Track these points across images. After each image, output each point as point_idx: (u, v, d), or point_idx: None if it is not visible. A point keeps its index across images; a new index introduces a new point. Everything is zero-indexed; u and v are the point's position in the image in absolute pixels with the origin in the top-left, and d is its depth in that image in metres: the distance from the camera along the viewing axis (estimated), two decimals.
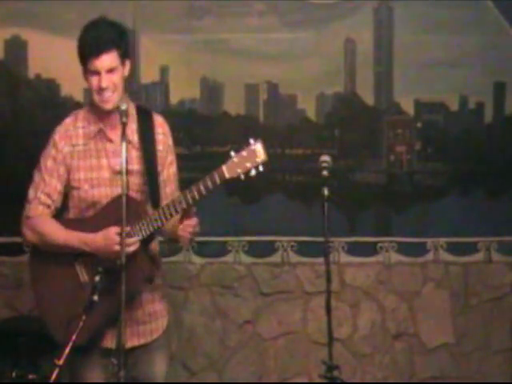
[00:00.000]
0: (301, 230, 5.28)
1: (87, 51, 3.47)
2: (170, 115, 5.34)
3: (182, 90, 5.38)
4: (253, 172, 3.36)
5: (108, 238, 3.42)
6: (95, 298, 3.29)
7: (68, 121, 3.63)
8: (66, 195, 3.62)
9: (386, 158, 5.47)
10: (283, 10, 5.35)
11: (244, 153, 3.33)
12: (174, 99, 5.40)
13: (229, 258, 5.37)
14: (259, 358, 5.37)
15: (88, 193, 3.56)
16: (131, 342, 3.57)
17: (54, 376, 3.25)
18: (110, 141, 3.58)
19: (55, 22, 5.22)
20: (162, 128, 3.67)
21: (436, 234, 5.40)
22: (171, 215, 3.43)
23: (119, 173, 3.49)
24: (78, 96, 5.32)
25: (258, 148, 3.34)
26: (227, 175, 3.34)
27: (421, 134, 5.48)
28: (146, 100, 5.37)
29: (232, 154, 3.34)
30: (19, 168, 5.26)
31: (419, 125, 5.48)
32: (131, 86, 5.35)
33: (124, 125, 3.32)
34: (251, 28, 5.34)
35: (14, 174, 5.25)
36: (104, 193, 3.56)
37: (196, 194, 3.38)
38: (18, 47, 5.33)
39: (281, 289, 5.38)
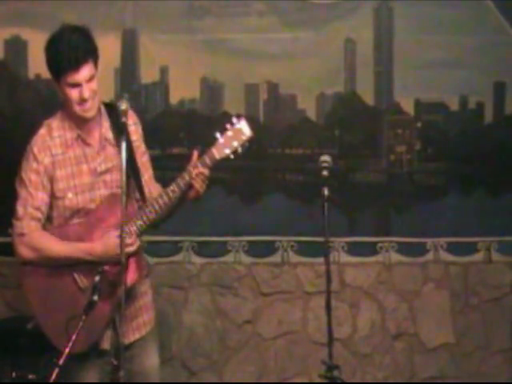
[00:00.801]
0: (301, 230, 5.28)
1: (64, 65, 3.43)
2: (170, 115, 5.38)
3: (182, 90, 5.38)
4: (239, 149, 3.45)
5: (109, 244, 3.42)
6: (95, 298, 3.29)
7: (43, 132, 3.60)
8: (50, 206, 3.60)
9: (386, 157, 5.47)
10: (283, 10, 5.34)
11: (229, 132, 3.45)
12: (173, 99, 5.40)
13: (229, 257, 5.37)
14: (259, 358, 5.37)
15: (73, 201, 3.55)
16: (127, 339, 3.58)
17: (53, 376, 3.25)
18: (89, 145, 3.58)
19: (55, 22, 5.15)
20: (131, 119, 3.65)
21: (436, 234, 5.40)
22: (165, 204, 3.46)
23: (101, 174, 3.52)
24: None
25: (243, 125, 3.46)
26: (217, 156, 3.44)
27: (421, 134, 5.48)
28: (146, 100, 5.37)
29: (218, 135, 3.44)
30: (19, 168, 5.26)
31: (419, 125, 5.48)
32: (131, 86, 5.36)
33: (124, 124, 3.32)
34: (251, 28, 5.34)
35: (14, 174, 5.24)
36: (88, 198, 3.56)
37: (188, 179, 3.42)
38: (18, 47, 5.33)
39: (281, 289, 5.38)
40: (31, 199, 3.55)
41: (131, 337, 3.64)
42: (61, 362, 3.26)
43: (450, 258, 5.43)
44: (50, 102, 5.34)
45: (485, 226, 5.39)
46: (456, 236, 5.40)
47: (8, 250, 5.27)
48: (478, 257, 5.44)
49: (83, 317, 3.27)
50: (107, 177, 3.55)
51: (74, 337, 3.26)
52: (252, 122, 5.38)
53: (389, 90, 5.43)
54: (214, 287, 5.34)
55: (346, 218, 5.40)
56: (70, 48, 3.43)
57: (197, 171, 3.44)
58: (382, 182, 5.47)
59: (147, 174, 3.71)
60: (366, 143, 5.46)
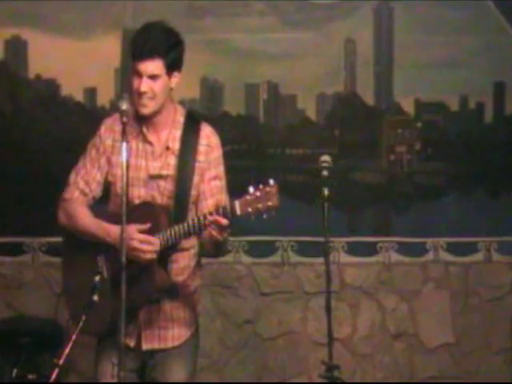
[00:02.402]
0: (301, 230, 5.28)
1: (134, 52, 3.43)
2: None
3: (182, 90, 5.37)
4: (264, 215, 3.31)
5: (127, 230, 3.38)
6: (95, 298, 3.29)
7: (115, 115, 3.59)
8: (105, 187, 3.61)
9: (386, 157, 5.47)
10: (283, 10, 5.35)
11: (258, 193, 3.29)
12: (174, 99, 5.39)
13: (229, 258, 5.37)
14: (259, 358, 5.37)
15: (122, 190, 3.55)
16: (151, 345, 3.55)
17: (53, 376, 3.25)
18: (150, 144, 3.55)
19: (55, 22, 5.22)
20: (206, 139, 3.57)
21: (436, 234, 5.40)
22: (184, 233, 3.40)
23: (155, 177, 3.50)
24: (78, 96, 5.33)
25: (273, 192, 3.30)
26: (238, 212, 3.29)
27: (421, 134, 5.48)
28: None
29: (250, 189, 3.28)
30: (19, 168, 5.27)
31: (419, 125, 5.49)
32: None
33: (124, 124, 3.31)
34: (251, 28, 5.34)
35: (14, 174, 5.25)
36: (137, 193, 3.53)
37: (205, 221, 3.34)
38: (18, 47, 5.34)
39: (281, 289, 5.38)
40: (85, 171, 3.58)
41: (155, 344, 3.57)
42: (61, 362, 3.25)
43: (449, 258, 5.43)
44: (50, 102, 5.36)
45: (485, 226, 5.39)
46: (456, 236, 5.40)
47: (8, 250, 5.31)
48: (478, 257, 5.44)
49: (83, 317, 3.27)
50: (161, 183, 3.52)
51: (74, 337, 3.25)
52: (252, 121, 5.48)
53: (389, 90, 5.44)
54: (214, 287, 5.34)
55: (346, 218, 5.41)
56: (146, 38, 3.42)
57: (211, 219, 3.30)
58: (382, 181, 5.47)
59: (210, 201, 3.53)
60: (366, 143, 5.47)
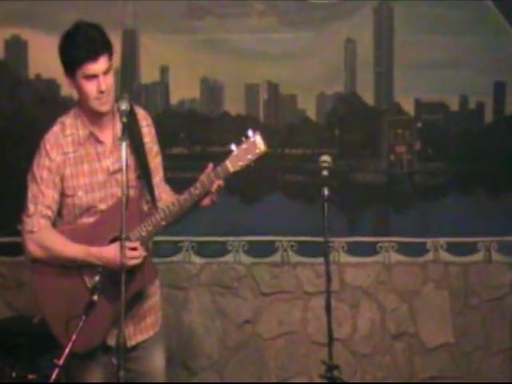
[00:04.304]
0: (301, 230, 5.28)
1: (82, 55, 3.42)
2: (170, 115, 5.38)
3: (182, 90, 5.38)
4: (253, 163, 3.48)
5: (115, 250, 3.39)
6: (95, 298, 3.29)
7: (56, 129, 3.60)
8: (59, 203, 3.60)
9: (386, 157, 5.47)
10: (283, 10, 5.34)
11: (244, 145, 3.45)
12: (174, 99, 5.40)
13: (229, 258, 5.37)
14: (259, 358, 5.37)
15: (82, 199, 3.55)
16: (135, 339, 3.59)
17: (53, 376, 3.25)
18: (101, 143, 3.57)
19: (55, 22, 5.21)
20: (145, 120, 3.68)
21: (436, 234, 5.40)
22: (176, 212, 3.46)
23: (114, 173, 3.52)
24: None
25: (258, 140, 3.45)
26: (231, 169, 3.46)
27: (421, 134, 5.48)
28: (146, 100, 5.37)
29: (233, 147, 3.44)
30: (19, 168, 5.26)
31: (419, 125, 5.48)
32: (131, 86, 5.37)
33: (124, 124, 3.32)
34: (251, 28, 5.34)
35: (14, 173, 5.25)
36: (98, 196, 3.56)
37: (201, 189, 3.43)
38: (18, 47, 5.34)
39: (281, 289, 5.38)
40: (42, 197, 3.55)
41: (139, 337, 3.64)
42: (61, 362, 3.25)
43: (449, 258, 5.43)
44: (50, 102, 5.36)
45: (485, 226, 5.39)
46: (456, 236, 5.40)
47: (8, 250, 5.31)
48: (478, 257, 5.44)
49: (83, 317, 3.28)
50: (119, 176, 3.54)
51: (74, 337, 3.26)
52: (252, 121, 5.47)
53: (389, 90, 5.44)
54: (214, 287, 5.34)
55: (346, 218, 5.41)
56: (88, 39, 3.44)
57: (218, 183, 3.47)
58: (382, 181, 5.47)
59: (158, 176, 3.71)
60: (366, 143, 5.46)
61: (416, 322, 5.41)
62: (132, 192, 3.53)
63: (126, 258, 3.33)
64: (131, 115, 3.53)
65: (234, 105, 5.40)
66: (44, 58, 5.27)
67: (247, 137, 3.47)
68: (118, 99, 3.54)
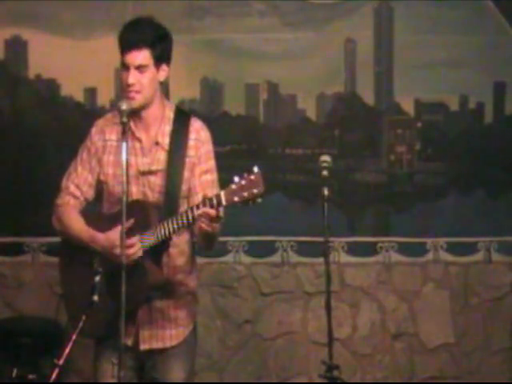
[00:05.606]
0: (301, 230, 5.28)
1: (121, 45, 3.45)
2: None
3: (182, 90, 5.38)
4: (250, 203, 3.33)
5: (109, 239, 3.41)
6: (95, 298, 3.29)
7: (108, 116, 3.63)
8: (97, 188, 3.62)
9: (386, 157, 5.47)
10: (283, 10, 5.35)
11: (243, 181, 3.30)
12: (174, 99, 5.38)
13: (229, 257, 5.37)
14: (259, 358, 5.37)
15: (114, 189, 3.54)
16: (148, 345, 3.56)
17: (53, 376, 3.25)
18: (139, 140, 3.55)
19: (55, 22, 5.22)
20: (196, 134, 3.56)
21: (436, 234, 5.40)
22: (174, 230, 3.40)
23: (143, 173, 3.50)
24: (78, 96, 5.33)
25: (258, 179, 3.30)
26: (224, 202, 3.30)
27: (421, 133, 5.48)
28: None
29: (235, 179, 3.30)
30: (19, 168, 5.27)
31: (419, 125, 5.49)
32: None
33: (124, 124, 3.30)
34: (251, 28, 5.34)
35: (15, 174, 5.25)
36: (129, 191, 3.52)
37: (194, 214, 3.35)
38: (18, 47, 5.33)
39: (281, 289, 5.38)
40: (75, 175, 3.59)
41: (153, 344, 3.57)
42: (61, 362, 3.25)
43: (449, 258, 5.43)
44: (50, 102, 5.36)
45: (485, 226, 5.39)
46: (456, 236, 5.40)
47: (8, 250, 5.31)
48: (478, 257, 5.45)
49: (83, 317, 3.28)
50: (151, 178, 3.52)
51: (74, 337, 3.26)
52: (252, 121, 5.48)
53: (389, 90, 5.44)
54: (214, 287, 5.34)
55: (346, 218, 5.41)
56: (132, 29, 3.46)
57: (200, 212, 3.31)
58: (382, 182, 5.47)
59: (200, 196, 3.49)
60: (366, 143, 5.47)
61: (416, 322, 5.41)
62: (156, 196, 3.51)
63: (117, 247, 3.31)
64: (184, 125, 3.51)
65: (233, 105, 5.40)
66: (44, 58, 5.27)
67: (250, 172, 3.31)
68: (118, 99, 3.53)
